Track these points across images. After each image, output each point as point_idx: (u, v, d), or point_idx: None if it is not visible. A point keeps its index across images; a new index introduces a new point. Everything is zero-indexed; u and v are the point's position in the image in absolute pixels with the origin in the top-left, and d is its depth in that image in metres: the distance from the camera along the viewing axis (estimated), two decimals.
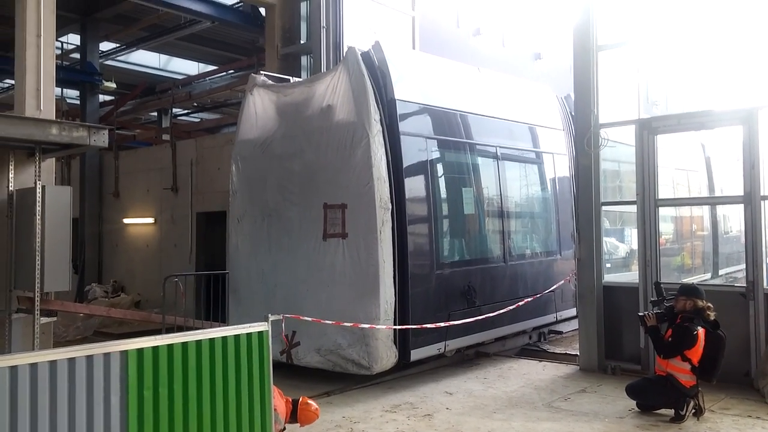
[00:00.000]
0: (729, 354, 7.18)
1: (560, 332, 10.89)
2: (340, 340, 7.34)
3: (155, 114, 20.97)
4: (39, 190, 7.89)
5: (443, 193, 8.41)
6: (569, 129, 10.72)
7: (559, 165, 10.54)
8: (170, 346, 4.44)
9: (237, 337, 4.83)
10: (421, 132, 8.01)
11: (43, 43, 8.99)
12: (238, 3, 13.54)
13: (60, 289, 8.67)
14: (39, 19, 8.98)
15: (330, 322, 6.81)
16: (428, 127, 8.23)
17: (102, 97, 19.48)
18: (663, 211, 12.49)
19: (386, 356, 7.26)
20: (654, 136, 8.53)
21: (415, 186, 7.79)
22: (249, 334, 4.91)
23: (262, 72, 8.91)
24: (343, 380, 7.60)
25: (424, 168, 7.95)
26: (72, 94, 18.64)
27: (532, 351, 10.01)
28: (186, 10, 12.54)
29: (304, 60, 12.17)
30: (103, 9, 15.51)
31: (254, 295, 8.32)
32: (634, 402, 6.70)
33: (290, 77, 9.25)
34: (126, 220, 16.05)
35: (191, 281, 12.21)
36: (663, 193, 12.67)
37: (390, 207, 7.31)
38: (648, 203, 8.44)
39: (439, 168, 8.44)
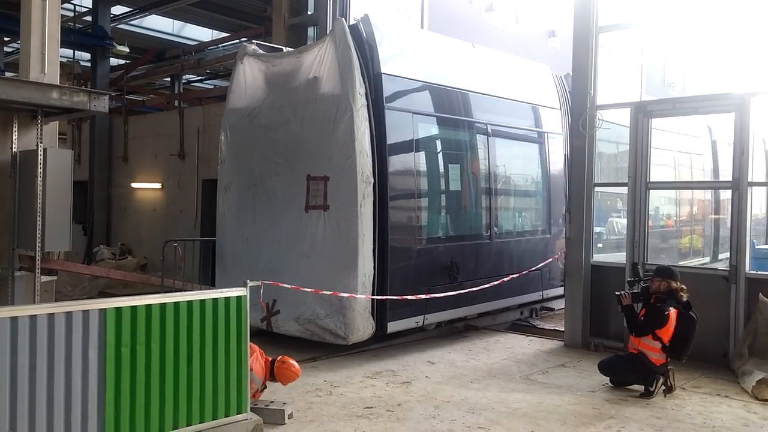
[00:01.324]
0: (709, 335, 7.36)
1: (552, 309, 11.06)
2: (318, 310, 7.50)
3: (169, 80, 21.15)
4: (40, 152, 8.08)
5: (428, 169, 8.45)
6: (566, 108, 10.70)
7: (554, 144, 10.53)
8: (148, 307, 4.66)
9: (215, 300, 5.04)
10: (407, 107, 8.01)
11: (48, 6, 9.08)
12: None
13: (60, 249, 8.94)
14: None
15: (309, 289, 6.97)
16: (416, 103, 8.23)
17: (118, 62, 19.66)
18: (667, 194, 12.59)
19: (363, 327, 7.41)
20: (649, 120, 8.54)
21: (399, 161, 7.84)
22: (227, 299, 5.11)
23: (254, 41, 8.95)
24: (331, 347, 7.81)
25: (410, 143, 7.99)
26: (86, 56, 18.79)
27: (522, 326, 10.20)
28: None
29: (310, 31, 12.22)
30: None
31: (239, 263, 8.48)
32: (608, 378, 6.88)
33: (283, 47, 9.29)
34: (134, 185, 16.33)
35: (195, 246, 12.48)
36: (664, 175, 12.73)
37: (372, 181, 7.38)
38: (639, 185, 8.48)
39: (426, 143, 8.47)
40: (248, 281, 5.22)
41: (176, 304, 4.82)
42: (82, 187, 17.43)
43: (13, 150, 8.50)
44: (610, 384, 6.84)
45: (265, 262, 8.11)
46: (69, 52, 18.97)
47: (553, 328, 9.89)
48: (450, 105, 8.77)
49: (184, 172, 14.82)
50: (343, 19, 8.26)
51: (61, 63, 19.86)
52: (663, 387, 6.53)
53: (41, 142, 8.26)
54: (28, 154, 8.31)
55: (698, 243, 13.64)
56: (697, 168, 13.61)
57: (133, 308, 4.59)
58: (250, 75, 8.55)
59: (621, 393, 6.62)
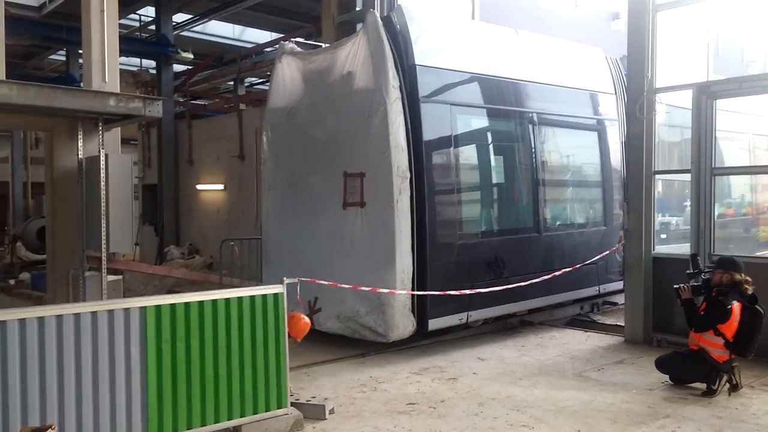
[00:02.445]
0: None
1: (615, 303, 10.63)
2: (359, 308, 7.43)
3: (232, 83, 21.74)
4: (102, 158, 8.46)
5: (469, 162, 8.23)
6: (623, 93, 10.20)
7: (609, 131, 10.03)
8: (187, 304, 4.79)
9: (252, 298, 5.12)
10: (445, 98, 7.80)
11: (107, 18, 9.48)
12: None
13: (123, 250, 9.35)
14: None
15: (346, 285, 6.92)
16: (454, 94, 8.00)
17: (188, 67, 20.35)
18: (750, 180, 11.88)
19: (402, 325, 7.29)
20: (713, 101, 8.06)
21: (436, 154, 7.66)
22: (264, 296, 5.19)
23: (292, 39, 8.99)
24: (381, 343, 7.70)
25: (448, 135, 7.78)
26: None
27: (581, 321, 9.86)
28: None
29: (359, 27, 12.20)
30: None
31: (282, 261, 8.51)
32: (668, 376, 6.54)
33: (323, 44, 9.28)
34: (199, 187, 16.89)
35: (255, 245, 12.78)
36: (739, 159, 11.99)
37: (408, 176, 7.23)
38: (704, 172, 8.02)
39: (465, 135, 8.24)
40: (285, 278, 5.28)
41: (214, 301, 4.93)
42: (153, 189, 18.22)
43: (79, 156, 8.96)
44: (670, 382, 6.50)
45: (307, 260, 8.14)
46: (136, 60, 19.85)
47: (614, 323, 9.51)
48: (492, 94, 8.51)
49: (245, 173, 15.19)
50: (375, 11, 8.13)
51: (131, 72, 20.80)
52: (727, 385, 6.14)
53: (103, 148, 8.65)
54: (93, 160, 8.72)
55: None
56: None
57: (172, 306, 4.72)
58: (288, 74, 8.58)
59: (681, 391, 6.27)
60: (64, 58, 21.11)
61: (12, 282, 14.30)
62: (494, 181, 8.67)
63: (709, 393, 6.09)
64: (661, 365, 6.52)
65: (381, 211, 7.26)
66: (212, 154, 16.51)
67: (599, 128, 10.00)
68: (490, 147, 8.74)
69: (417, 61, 7.53)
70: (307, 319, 5.79)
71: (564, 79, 9.47)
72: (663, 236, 9.51)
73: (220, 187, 16.20)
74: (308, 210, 8.22)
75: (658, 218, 10.23)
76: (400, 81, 7.33)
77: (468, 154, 8.31)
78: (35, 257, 16.13)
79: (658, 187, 10.51)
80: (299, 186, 8.39)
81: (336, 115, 7.86)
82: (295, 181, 8.46)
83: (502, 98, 8.65)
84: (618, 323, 9.34)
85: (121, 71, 19.36)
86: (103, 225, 8.42)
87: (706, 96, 8.05)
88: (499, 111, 8.68)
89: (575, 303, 9.96)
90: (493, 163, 8.68)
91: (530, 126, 8.82)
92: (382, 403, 5.89)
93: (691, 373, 6.30)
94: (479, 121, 8.57)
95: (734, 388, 6.14)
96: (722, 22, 10.21)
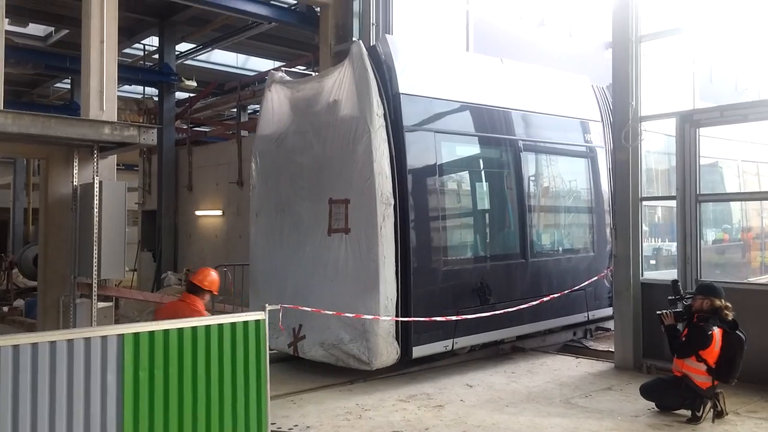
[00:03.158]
0: None
1: (608, 329, 10.60)
2: (343, 335, 7.42)
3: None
4: (96, 185, 8.58)
5: (453, 188, 8.30)
6: (609, 120, 10.31)
7: (596, 158, 10.10)
8: (166, 332, 4.81)
9: (233, 324, 5.14)
10: (429, 126, 7.90)
11: (106, 48, 9.68)
12: (295, 4, 13.99)
13: (114, 277, 9.40)
14: (102, 25, 9.68)
15: (329, 312, 6.95)
16: (438, 121, 8.09)
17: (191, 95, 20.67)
18: (744, 206, 11.95)
19: (386, 352, 7.27)
20: (696, 129, 8.16)
21: (421, 181, 7.73)
22: (246, 323, 5.20)
23: (282, 68, 9.15)
24: (369, 370, 7.71)
25: (432, 162, 7.85)
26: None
27: (573, 347, 9.84)
28: (245, 12, 13.06)
29: None
30: (179, 12, 16.46)
31: (270, 288, 8.53)
32: (654, 403, 6.51)
33: (311, 73, 9.45)
34: (198, 212, 17.03)
35: (248, 271, 12.80)
36: (730, 186, 12.05)
37: (392, 202, 7.29)
38: (689, 199, 8.09)
39: (450, 162, 8.31)
40: (267, 305, 5.32)
41: (194, 329, 4.95)
42: (152, 215, 18.38)
43: (74, 183, 9.08)
44: (656, 409, 6.47)
45: (293, 287, 8.17)
46: (139, 88, 20.18)
47: (606, 349, 9.48)
48: (476, 122, 8.60)
49: (243, 199, 15.28)
50: (370, 41, 8.27)
51: (135, 99, 21.14)
52: (712, 412, 6.12)
53: (97, 175, 8.77)
54: (87, 187, 8.83)
55: None
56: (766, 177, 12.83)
57: (151, 333, 4.75)
58: (277, 101, 8.71)
59: (666, 418, 6.25)
60: (69, 86, 21.49)
61: (6, 309, 14.36)
62: (480, 207, 8.72)
63: (694, 420, 6.07)
64: (645, 392, 6.51)
65: (365, 238, 7.30)
66: (211, 181, 16.68)
67: (585, 155, 10.08)
68: (475, 174, 8.80)
69: (401, 90, 7.64)
70: (215, 274, 6.16)
71: (550, 106, 9.58)
72: (652, 262, 9.54)
73: (219, 213, 16.33)
74: (294, 236, 8.27)
75: (656, 243, 10.30)
76: (384, 109, 7.44)
77: (453, 180, 8.38)
78: (32, 284, 16.22)
79: (658, 212, 10.60)
80: (286, 212, 8.45)
81: (322, 143, 7.96)
82: (282, 208, 8.52)
83: (487, 126, 8.74)
84: (609, 349, 9.31)
85: (126, 99, 19.76)
86: (95, 251, 8.51)
87: (689, 124, 8.17)
88: (484, 138, 8.77)
89: (567, 329, 9.94)
90: (478, 189, 8.74)
91: (516, 153, 8.89)
92: None
93: (675, 400, 6.27)
94: (464, 149, 8.66)
95: (719, 414, 6.12)
96: (712, 51, 10.35)
